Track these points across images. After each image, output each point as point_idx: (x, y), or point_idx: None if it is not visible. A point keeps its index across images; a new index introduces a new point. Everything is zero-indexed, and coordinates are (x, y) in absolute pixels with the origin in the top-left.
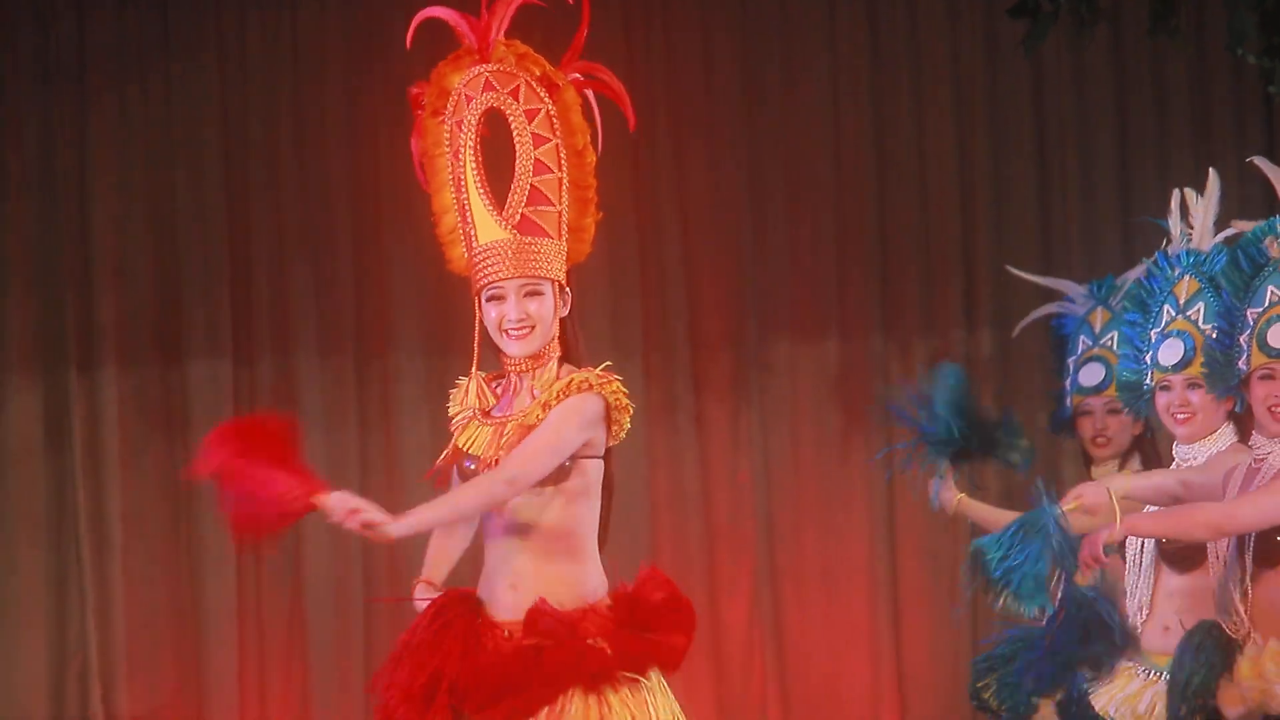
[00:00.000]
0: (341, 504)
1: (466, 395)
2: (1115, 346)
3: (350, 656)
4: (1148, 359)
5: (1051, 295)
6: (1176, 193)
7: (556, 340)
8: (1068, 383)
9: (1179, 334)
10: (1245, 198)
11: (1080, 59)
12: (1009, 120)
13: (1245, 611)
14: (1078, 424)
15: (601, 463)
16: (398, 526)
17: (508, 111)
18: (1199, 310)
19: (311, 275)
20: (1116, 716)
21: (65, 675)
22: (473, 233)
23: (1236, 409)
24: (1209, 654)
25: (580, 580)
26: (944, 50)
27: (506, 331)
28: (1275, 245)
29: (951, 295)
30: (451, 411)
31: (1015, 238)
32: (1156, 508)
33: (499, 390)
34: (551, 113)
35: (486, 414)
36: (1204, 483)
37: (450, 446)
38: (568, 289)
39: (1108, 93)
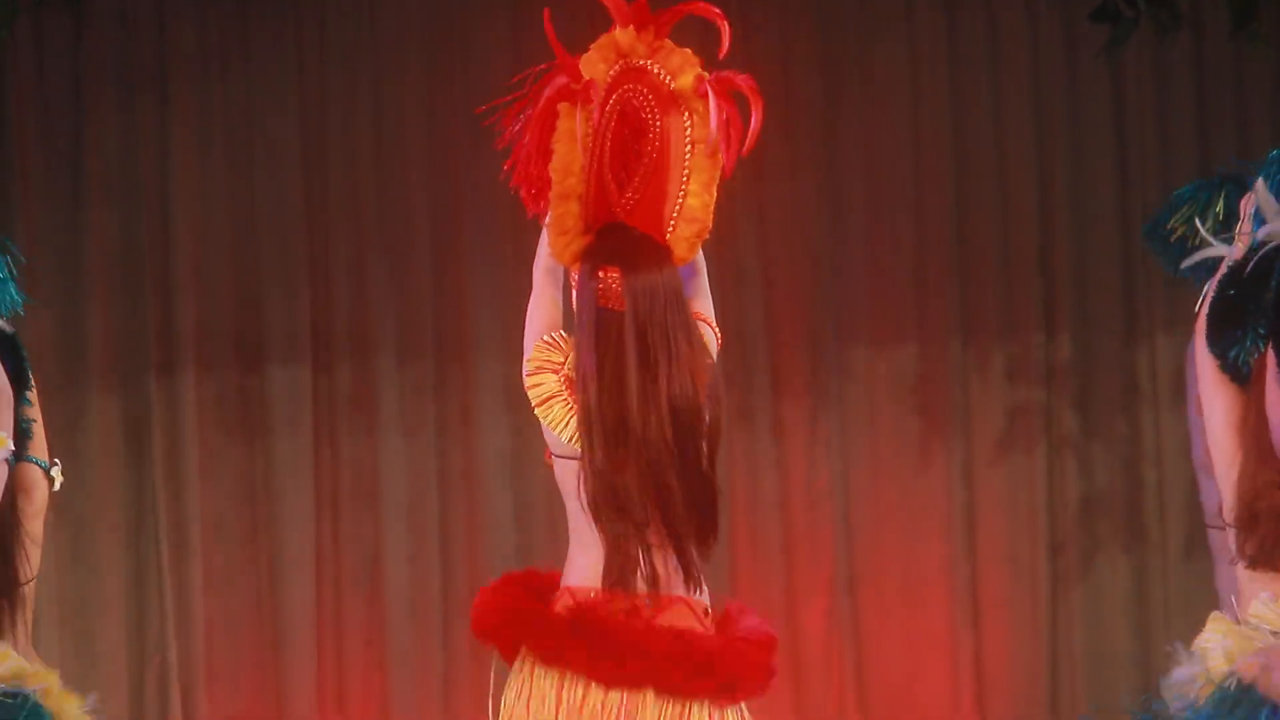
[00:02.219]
0: None
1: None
2: None
3: (429, 666)
4: None
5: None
6: None
7: None
8: None
9: None
10: None
11: (1161, 61)
12: (1089, 123)
13: None
14: None
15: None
16: None
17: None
18: None
19: (391, 281)
20: None
21: (144, 679)
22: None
23: None
24: None
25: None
26: (1024, 53)
27: None
28: None
29: (1031, 300)
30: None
31: (1095, 242)
32: None
33: None
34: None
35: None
36: None
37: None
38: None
39: (1188, 95)
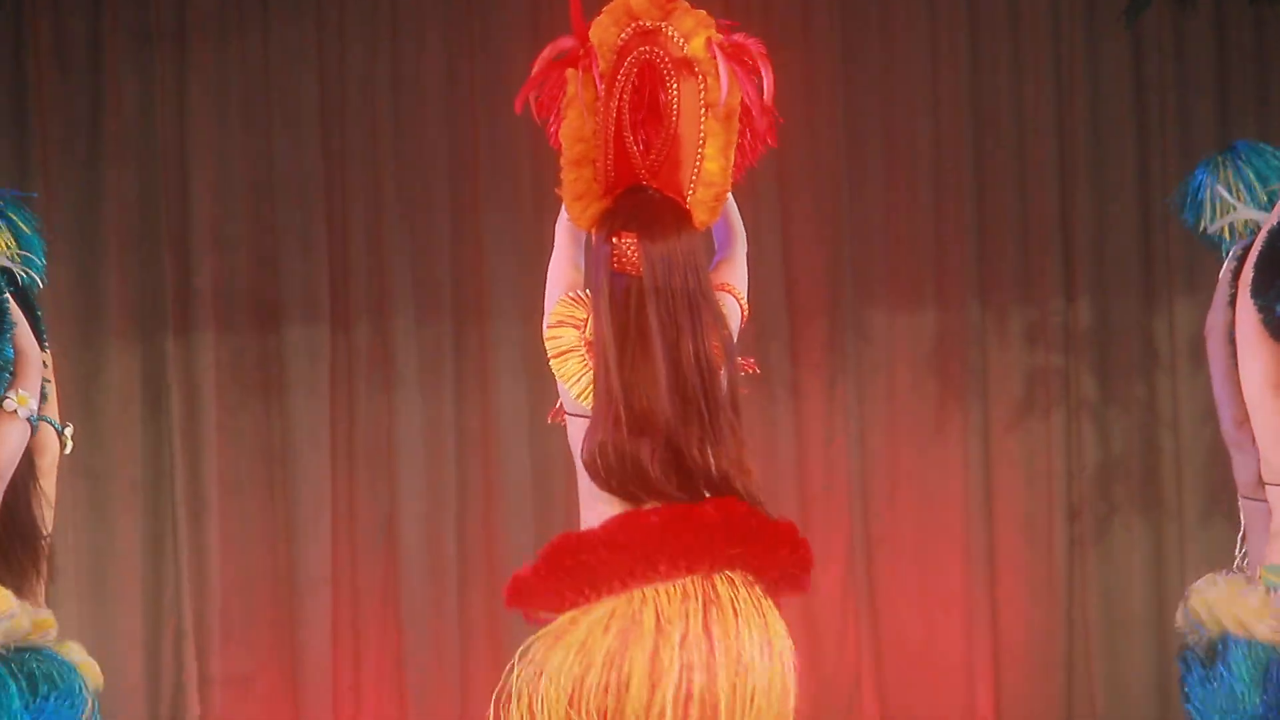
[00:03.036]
0: None
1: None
2: None
3: (444, 625)
4: None
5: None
6: None
7: None
8: None
9: None
10: None
11: (1181, 26)
12: (1108, 88)
13: None
14: None
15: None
16: None
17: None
18: None
19: (409, 241)
20: None
21: (160, 638)
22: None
23: None
24: None
25: None
26: (1044, 18)
27: None
28: None
29: (1050, 264)
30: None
31: (1114, 207)
32: None
33: None
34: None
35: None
36: None
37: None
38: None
39: (1208, 61)
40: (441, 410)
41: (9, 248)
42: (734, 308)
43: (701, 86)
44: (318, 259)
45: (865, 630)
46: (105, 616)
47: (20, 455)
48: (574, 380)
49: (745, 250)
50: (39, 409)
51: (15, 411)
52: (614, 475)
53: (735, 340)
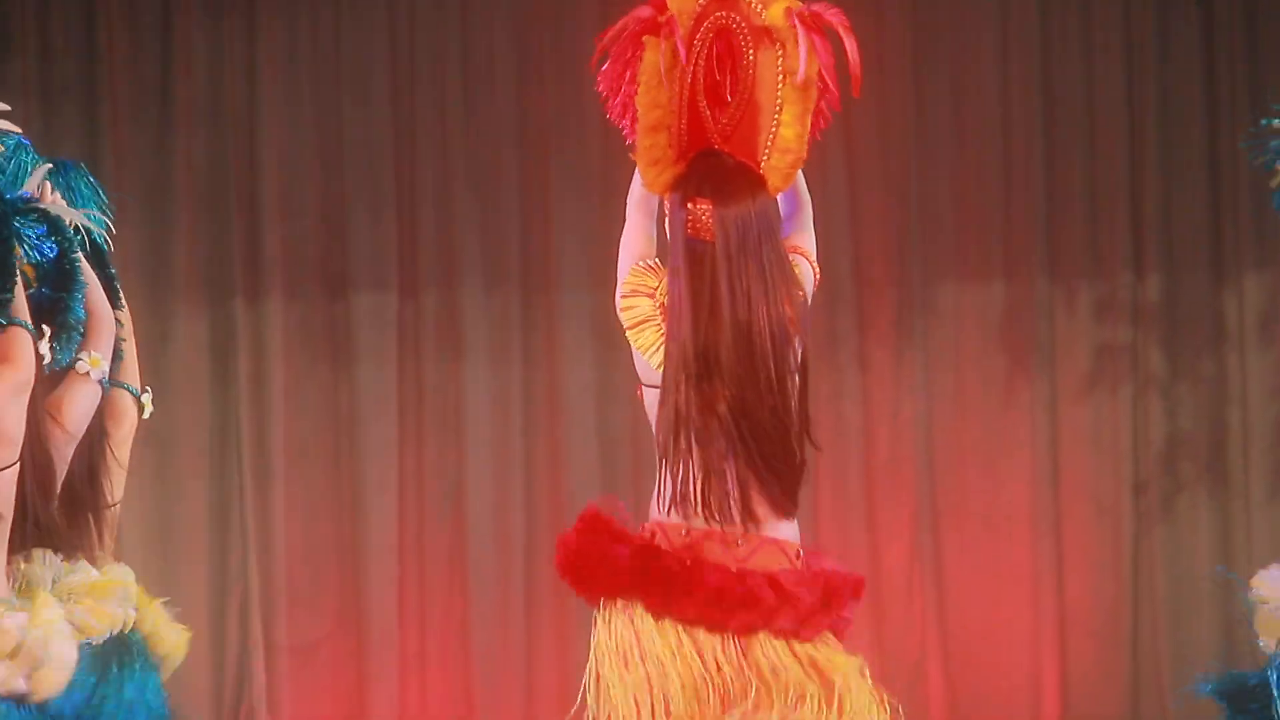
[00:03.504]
0: None
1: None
2: None
3: (510, 594)
4: None
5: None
6: None
7: None
8: None
9: None
10: None
11: (1251, 1)
12: (1178, 61)
13: None
14: None
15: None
16: None
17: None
18: None
19: (477, 209)
20: None
21: (226, 604)
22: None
23: None
24: None
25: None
26: None
27: None
28: None
29: (1118, 238)
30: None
31: (1184, 181)
32: None
33: None
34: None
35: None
36: None
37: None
38: None
39: (1278, 35)
40: (509, 379)
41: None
42: (807, 271)
43: (779, 54)
44: (386, 227)
45: (930, 603)
46: (171, 583)
47: (91, 418)
48: (651, 350)
49: (812, 213)
50: (115, 373)
51: (88, 373)
52: (684, 443)
53: (809, 303)
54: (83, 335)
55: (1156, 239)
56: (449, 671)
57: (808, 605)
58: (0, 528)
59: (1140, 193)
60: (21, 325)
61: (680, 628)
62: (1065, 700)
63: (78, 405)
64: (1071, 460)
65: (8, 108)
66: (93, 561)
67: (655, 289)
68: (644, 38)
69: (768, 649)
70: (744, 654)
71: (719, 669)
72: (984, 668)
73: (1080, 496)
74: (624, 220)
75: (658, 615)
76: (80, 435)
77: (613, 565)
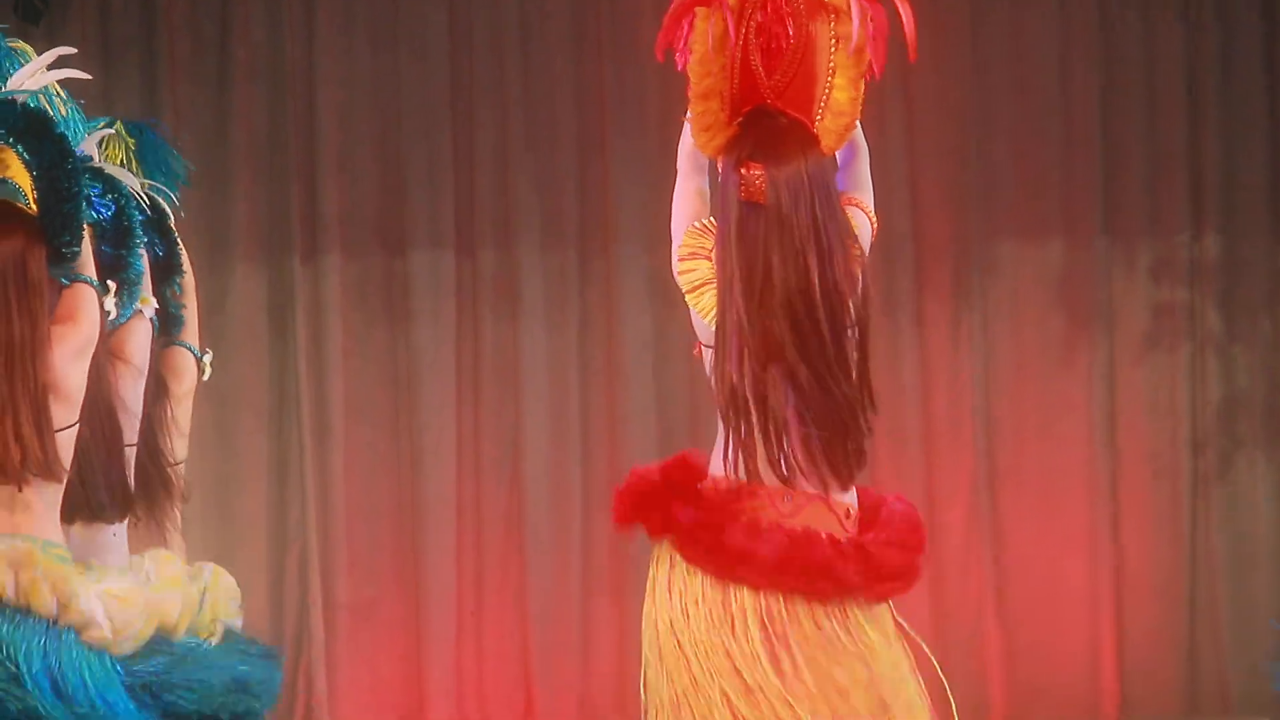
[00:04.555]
0: None
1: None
2: None
3: (568, 553)
4: None
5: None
6: None
7: None
8: None
9: None
10: None
11: None
12: (1237, 19)
13: None
14: None
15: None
16: None
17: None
18: None
19: (535, 167)
20: None
21: (285, 562)
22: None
23: None
24: None
25: None
26: None
27: None
28: None
29: (1177, 198)
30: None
31: (1242, 139)
32: None
33: None
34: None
35: None
36: None
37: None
38: None
39: None
40: (566, 338)
41: (139, 174)
42: (864, 223)
43: (833, 20)
44: (444, 186)
45: (988, 563)
46: (230, 540)
47: (148, 352)
48: (711, 313)
49: (868, 161)
50: (176, 334)
51: (139, 311)
52: (742, 404)
53: (867, 255)
54: (142, 291)
55: (1215, 198)
56: (505, 629)
57: (849, 579)
58: (58, 488)
59: (1199, 151)
60: (88, 282)
61: (732, 586)
62: (1123, 660)
63: (138, 339)
64: (1129, 420)
65: (72, 50)
66: (162, 522)
67: (712, 250)
68: (697, 7)
69: (818, 615)
70: (794, 619)
71: (770, 632)
72: (1042, 628)
73: (1138, 456)
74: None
75: (708, 572)
76: (145, 370)
77: (667, 518)
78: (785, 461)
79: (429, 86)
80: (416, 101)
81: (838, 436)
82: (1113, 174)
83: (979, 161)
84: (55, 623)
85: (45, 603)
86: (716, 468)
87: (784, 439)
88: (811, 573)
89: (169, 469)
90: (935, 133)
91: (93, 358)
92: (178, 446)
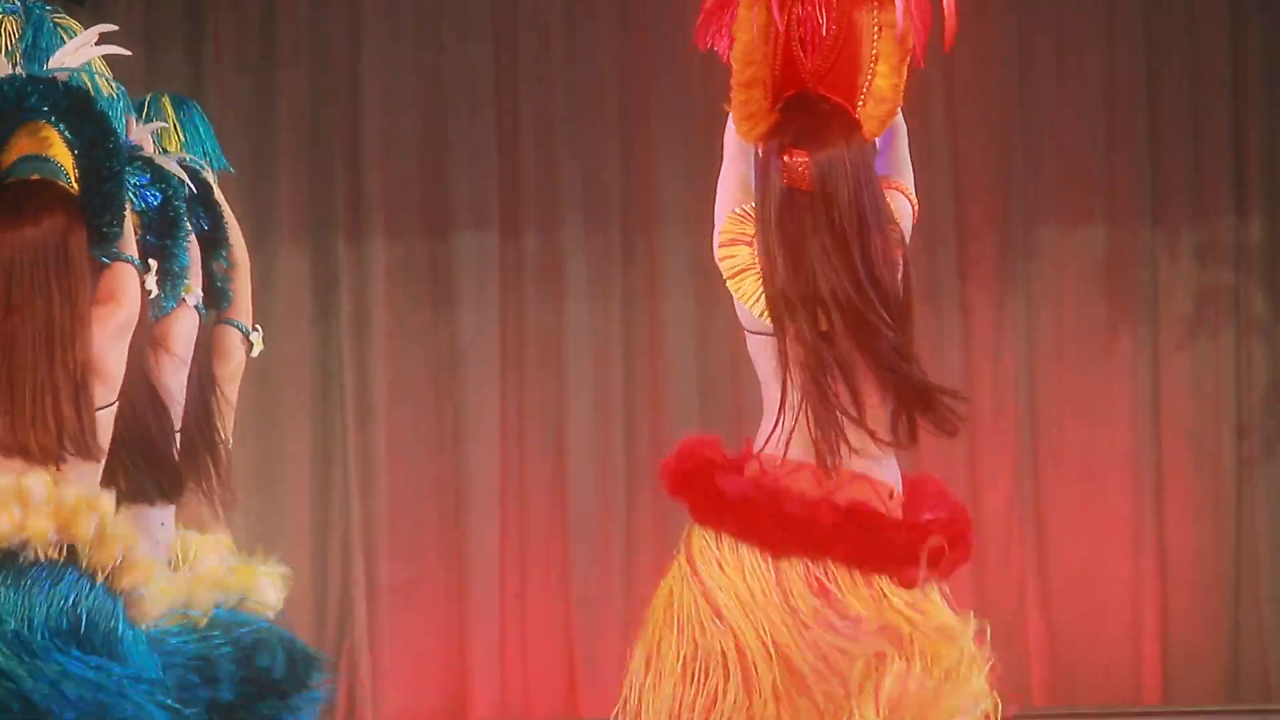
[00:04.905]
0: None
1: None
2: None
3: (611, 535)
4: None
5: None
6: None
7: None
8: None
9: None
10: None
11: None
12: None
13: None
14: None
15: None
16: None
17: None
18: None
19: (578, 148)
20: None
21: (328, 542)
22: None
23: None
24: None
25: None
26: None
27: None
28: None
29: (1221, 181)
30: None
31: None
32: None
33: None
34: None
35: None
36: None
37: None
38: None
39: None
40: (610, 319)
41: (182, 148)
42: (904, 207)
43: (876, 6)
44: (487, 167)
45: (1031, 549)
46: (273, 521)
47: (194, 343)
48: (752, 300)
49: (907, 143)
50: (224, 311)
51: (184, 299)
52: (789, 387)
53: (908, 240)
54: (187, 280)
55: (1259, 181)
56: (548, 610)
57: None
58: (95, 467)
59: (1243, 135)
60: (128, 260)
61: (763, 555)
62: (1165, 645)
63: (182, 329)
64: (1173, 405)
65: (114, 27)
66: (211, 501)
67: (754, 236)
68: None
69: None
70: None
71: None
72: (1084, 612)
73: (1181, 440)
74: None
75: (760, 543)
76: (189, 360)
77: (713, 493)
78: (832, 442)
79: (473, 67)
80: (460, 82)
81: (886, 417)
82: (1157, 158)
83: (1022, 146)
84: (111, 581)
85: (112, 558)
86: (763, 447)
87: (832, 420)
88: (866, 541)
89: (220, 447)
90: (978, 117)
91: (137, 344)
92: (227, 423)
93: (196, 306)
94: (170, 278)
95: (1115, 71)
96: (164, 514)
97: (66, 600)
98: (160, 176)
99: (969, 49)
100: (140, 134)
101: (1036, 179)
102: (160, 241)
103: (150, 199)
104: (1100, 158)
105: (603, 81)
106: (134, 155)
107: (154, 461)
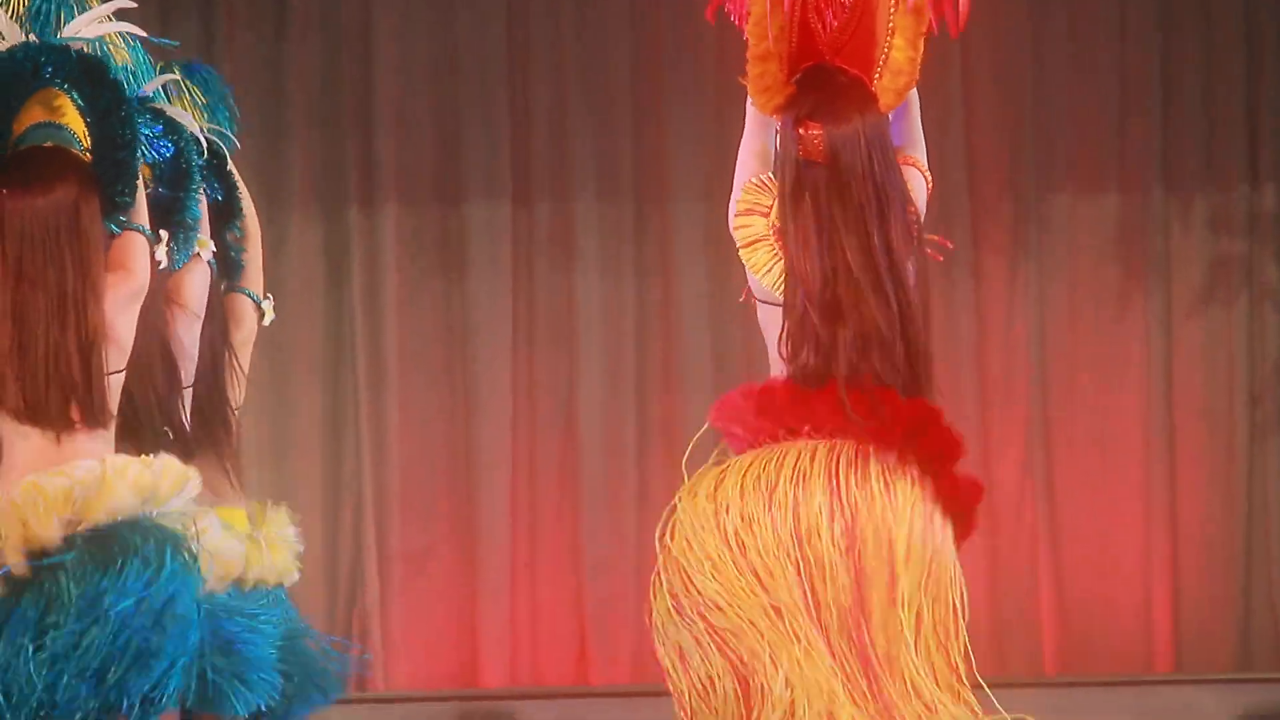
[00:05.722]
0: None
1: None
2: None
3: (622, 505)
4: None
5: None
6: None
7: None
8: None
9: None
10: None
11: None
12: None
13: None
14: None
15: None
16: None
17: None
18: None
19: (590, 119)
20: None
21: (340, 510)
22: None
23: None
24: None
25: None
26: None
27: None
28: None
29: (1234, 149)
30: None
31: None
32: None
33: None
34: None
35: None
36: None
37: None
38: None
39: None
40: (622, 290)
41: (199, 119)
42: (919, 181)
43: None
44: (500, 137)
45: (1042, 518)
46: (285, 490)
47: (206, 296)
48: (764, 270)
49: (919, 115)
50: (236, 279)
51: (198, 254)
52: (807, 362)
53: (923, 215)
54: (200, 234)
55: (1273, 150)
56: (559, 580)
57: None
58: (106, 435)
59: (1257, 103)
60: (140, 230)
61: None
62: (1177, 614)
63: (195, 284)
64: (1185, 373)
65: (132, 4)
66: (223, 465)
67: (769, 207)
68: None
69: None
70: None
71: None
72: (1095, 582)
73: (1193, 409)
74: (743, 128)
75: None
76: (201, 315)
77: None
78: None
79: (485, 37)
80: (473, 52)
81: (903, 388)
82: (1170, 126)
83: (1035, 114)
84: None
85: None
86: None
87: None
88: (872, 416)
89: (230, 412)
90: (991, 85)
91: (149, 302)
92: (239, 391)
93: (209, 261)
94: (183, 229)
95: (1128, 40)
96: None
97: None
98: (172, 129)
99: (982, 16)
100: (152, 85)
101: (1049, 147)
102: (173, 194)
103: (162, 150)
104: (1113, 126)
105: (615, 52)
106: (147, 106)
107: (164, 422)
